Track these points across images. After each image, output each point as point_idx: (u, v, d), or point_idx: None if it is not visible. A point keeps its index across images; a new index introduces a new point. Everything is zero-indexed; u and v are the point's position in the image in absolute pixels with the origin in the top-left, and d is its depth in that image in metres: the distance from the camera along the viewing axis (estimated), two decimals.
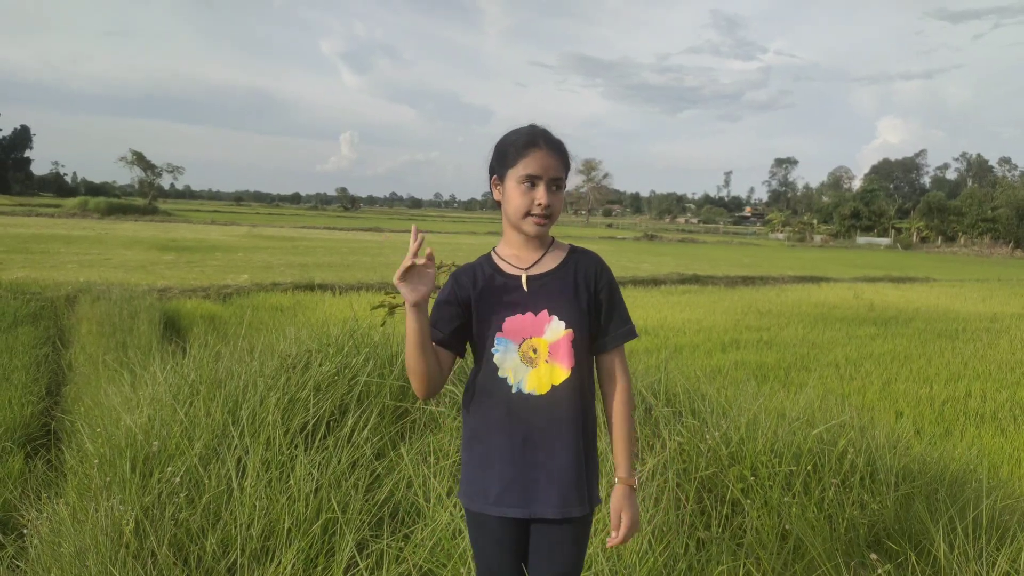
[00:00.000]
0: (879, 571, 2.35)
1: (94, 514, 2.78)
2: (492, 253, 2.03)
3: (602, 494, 2.22)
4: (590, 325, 1.96)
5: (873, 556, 2.45)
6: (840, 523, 3.07)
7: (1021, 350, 10.14)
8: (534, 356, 1.89)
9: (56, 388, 6.22)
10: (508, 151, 1.91)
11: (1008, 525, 2.97)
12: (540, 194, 1.86)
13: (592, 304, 1.96)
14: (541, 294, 1.92)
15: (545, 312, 1.90)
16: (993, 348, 10.24)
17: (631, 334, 2.01)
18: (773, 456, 3.36)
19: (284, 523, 2.84)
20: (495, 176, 1.96)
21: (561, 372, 1.89)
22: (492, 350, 1.91)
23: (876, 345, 10.17)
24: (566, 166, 1.93)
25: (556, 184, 1.89)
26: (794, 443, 3.46)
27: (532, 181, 1.86)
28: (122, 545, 2.62)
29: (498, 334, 1.91)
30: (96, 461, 3.28)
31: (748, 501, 3.14)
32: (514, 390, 1.89)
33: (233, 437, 3.41)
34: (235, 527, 2.83)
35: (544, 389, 1.89)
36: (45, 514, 3.05)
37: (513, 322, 1.91)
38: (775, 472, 3.28)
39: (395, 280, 1.75)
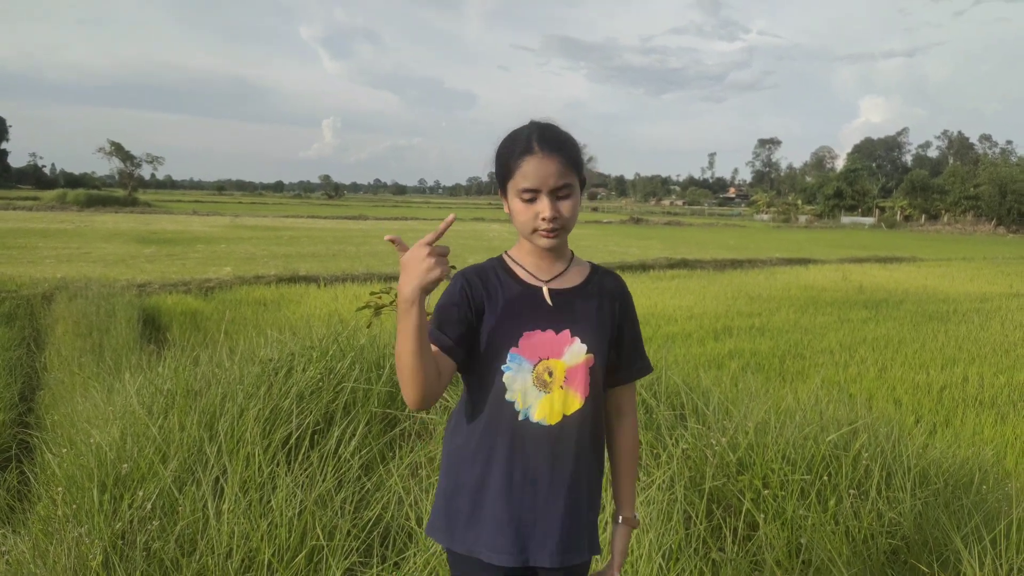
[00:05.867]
0: None
1: (57, 547, 2.56)
2: (505, 257, 1.78)
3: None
4: (608, 354, 1.76)
5: None
6: (857, 536, 2.91)
7: (1014, 331, 10.07)
8: (549, 380, 1.67)
9: (31, 393, 5.97)
10: (505, 162, 1.67)
11: None
12: (543, 207, 1.62)
13: (613, 332, 1.76)
14: (565, 311, 1.70)
15: (567, 332, 1.68)
16: (986, 330, 10.17)
17: (648, 369, 1.82)
18: (785, 463, 3.18)
19: (265, 553, 2.62)
20: (500, 190, 1.72)
21: (575, 401, 1.68)
22: (503, 367, 1.66)
23: (869, 329, 10.07)
24: (574, 165, 1.66)
25: (563, 192, 1.64)
26: (806, 448, 3.28)
27: (532, 195, 1.62)
28: None
29: (513, 349, 1.66)
30: (60, 489, 3.04)
31: (761, 515, 2.97)
32: (520, 417, 1.66)
33: (210, 455, 3.19)
34: (212, 558, 2.62)
35: (555, 419, 1.67)
36: (4, 547, 2.82)
37: (532, 338, 1.67)
38: (787, 481, 3.11)
39: (402, 260, 1.46)
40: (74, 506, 2.94)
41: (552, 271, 1.75)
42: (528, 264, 1.75)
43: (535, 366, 1.67)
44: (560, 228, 1.65)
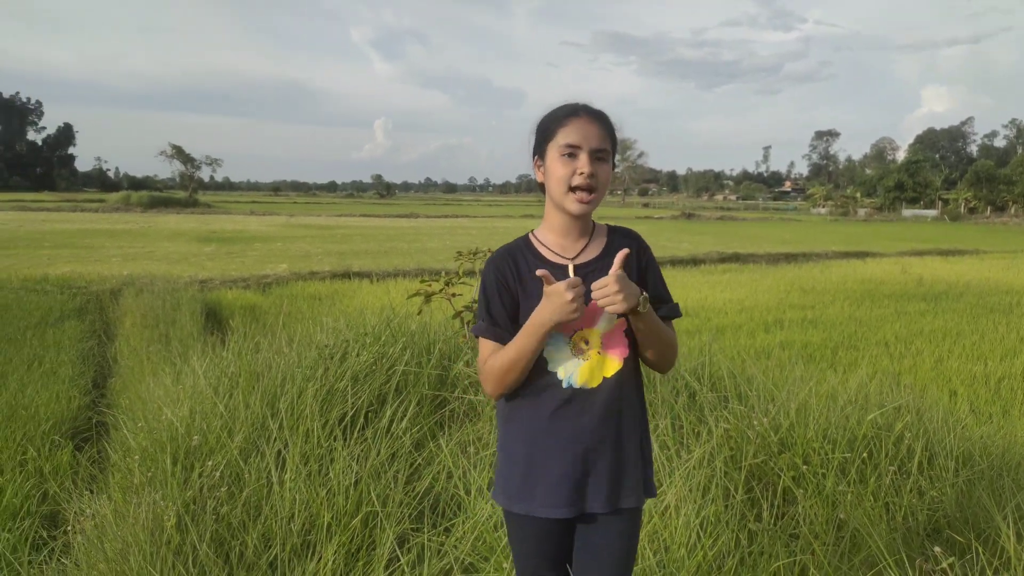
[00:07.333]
0: (943, 564, 2.23)
1: (136, 510, 2.79)
2: (531, 236, 1.91)
3: None
4: None
5: (937, 549, 2.33)
6: (897, 512, 2.94)
7: None
8: (585, 348, 1.80)
9: (102, 381, 6.32)
10: (548, 125, 1.81)
11: None
12: (582, 162, 1.74)
13: (639, 285, 1.84)
14: (590, 283, 1.78)
15: (595, 302, 1.77)
16: None
17: (677, 311, 1.92)
18: (826, 442, 3.23)
19: (324, 517, 2.81)
20: (536, 156, 1.86)
21: (613, 363, 1.80)
22: None
23: (926, 322, 9.86)
24: (611, 139, 1.81)
25: (600, 155, 1.77)
26: (848, 428, 3.32)
27: (573, 150, 1.75)
28: (163, 542, 2.62)
29: None
30: (137, 458, 3.30)
31: (800, 491, 3.02)
32: (564, 385, 1.80)
33: (272, 430, 3.40)
34: (275, 522, 2.81)
35: (596, 382, 1.80)
36: (89, 511, 3.07)
37: None
38: (828, 459, 3.15)
39: (570, 309, 1.65)
40: (149, 474, 3.18)
41: (576, 248, 1.86)
42: (553, 243, 1.87)
43: (571, 338, 1.80)
44: (594, 191, 1.77)
